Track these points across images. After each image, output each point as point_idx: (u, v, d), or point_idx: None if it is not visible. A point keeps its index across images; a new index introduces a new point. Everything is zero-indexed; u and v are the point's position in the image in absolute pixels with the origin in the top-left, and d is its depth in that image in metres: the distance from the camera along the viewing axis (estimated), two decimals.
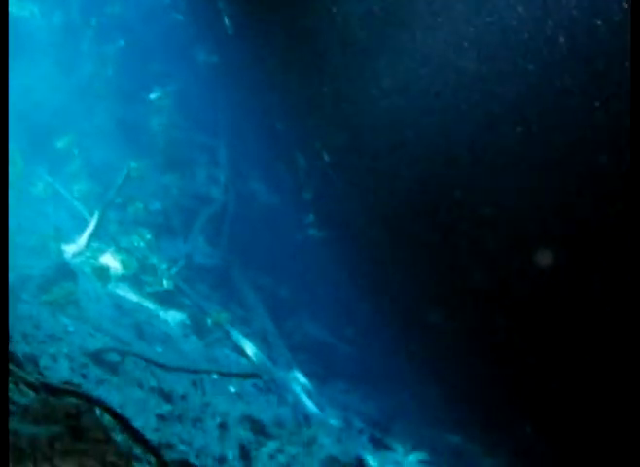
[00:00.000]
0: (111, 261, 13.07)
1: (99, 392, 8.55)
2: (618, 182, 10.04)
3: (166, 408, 9.37)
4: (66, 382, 7.08)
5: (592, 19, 9.43)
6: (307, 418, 11.88)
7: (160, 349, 11.65)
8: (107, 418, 6.30)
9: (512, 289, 12.19)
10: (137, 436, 6.34)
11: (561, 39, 9.81)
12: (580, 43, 9.74)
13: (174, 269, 13.97)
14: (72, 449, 3.57)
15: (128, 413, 8.53)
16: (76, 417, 3.83)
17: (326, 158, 14.32)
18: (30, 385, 5.38)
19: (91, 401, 6.43)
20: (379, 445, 13.70)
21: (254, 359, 13.20)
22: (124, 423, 6.34)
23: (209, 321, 13.28)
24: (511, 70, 10.49)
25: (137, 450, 6.33)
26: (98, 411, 6.38)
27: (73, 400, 6.04)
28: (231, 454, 9.28)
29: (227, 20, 15.47)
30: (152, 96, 15.74)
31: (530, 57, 10.20)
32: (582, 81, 9.92)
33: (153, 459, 6.26)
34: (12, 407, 3.88)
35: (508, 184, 11.24)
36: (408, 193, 12.86)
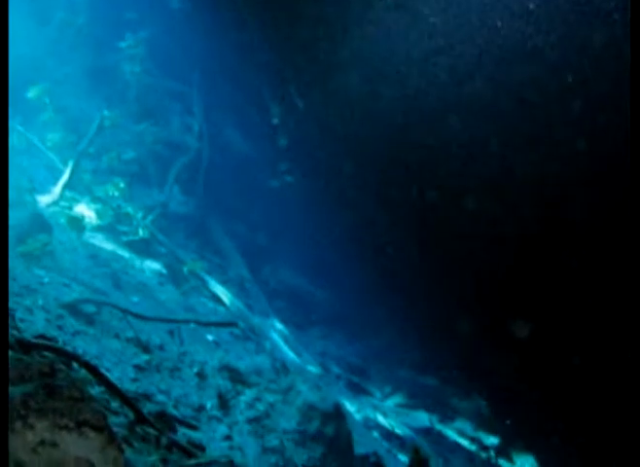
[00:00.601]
0: (86, 211, 13.01)
1: (76, 343, 8.54)
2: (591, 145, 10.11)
3: (144, 358, 9.38)
4: (41, 336, 7.09)
5: None
6: (285, 366, 11.94)
7: (136, 299, 11.65)
8: (83, 372, 6.31)
9: (487, 234, 12.25)
10: (114, 389, 6.36)
11: None
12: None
13: (149, 218, 13.92)
14: (46, 408, 3.57)
15: (106, 363, 8.55)
16: (50, 375, 3.83)
17: (300, 105, 14.25)
18: None
19: (68, 355, 6.44)
20: (357, 389, 13.82)
21: (231, 307, 13.22)
22: (101, 377, 6.35)
23: (185, 270, 13.27)
24: (479, 26, 10.46)
25: (114, 404, 6.35)
26: (75, 364, 6.40)
27: (48, 355, 6.06)
28: (210, 403, 9.32)
29: None
30: (124, 44, 15.52)
31: (502, 15, 10.18)
32: (555, 43, 9.92)
33: (130, 412, 6.29)
34: None
35: (480, 135, 11.28)
36: (383, 139, 12.85)
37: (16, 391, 3.55)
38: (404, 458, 12.10)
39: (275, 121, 15.27)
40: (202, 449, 7.27)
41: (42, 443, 3.47)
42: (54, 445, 3.49)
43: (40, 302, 9.07)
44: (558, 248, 11.22)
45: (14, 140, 13.26)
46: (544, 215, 11.27)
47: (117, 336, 9.59)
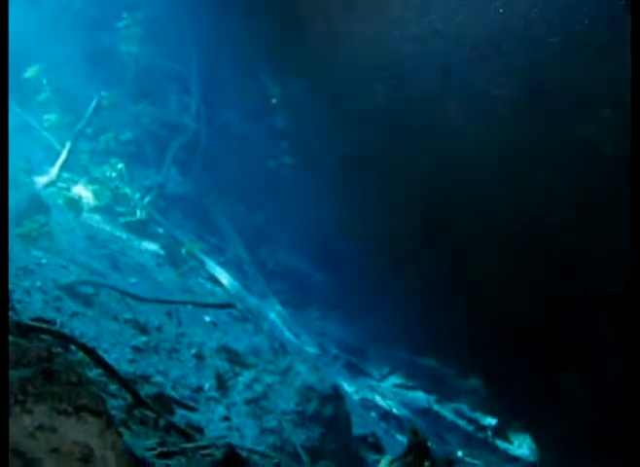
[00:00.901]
0: (83, 192, 12.97)
1: (74, 325, 8.54)
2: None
3: (142, 339, 9.37)
4: (38, 318, 7.08)
5: None
6: (283, 346, 11.94)
7: (134, 280, 11.62)
8: (81, 355, 6.31)
9: (481, 219, 12.29)
10: (111, 372, 6.35)
11: None
12: None
13: (147, 199, 13.88)
14: (44, 393, 3.57)
15: (104, 345, 8.55)
16: (48, 360, 3.81)
17: (298, 86, 14.23)
18: None
19: (65, 338, 6.43)
20: (355, 370, 13.84)
21: (229, 288, 13.20)
22: (98, 360, 6.35)
23: (183, 251, 13.22)
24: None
25: (112, 386, 6.35)
26: (73, 347, 6.39)
27: (46, 338, 6.04)
28: (208, 384, 9.33)
29: None
30: (120, 24, 15.42)
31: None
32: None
33: (128, 395, 6.28)
34: None
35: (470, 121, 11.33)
36: (379, 121, 12.87)
37: (14, 376, 3.55)
38: (401, 438, 12.11)
39: (273, 101, 15.24)
40: (200, 430, 7.28)
41: (40, 427, 3.46)
42: (53, 429, 3.49)
43: (38, 283, 9.06)
44: None
45: (11, 120, 13.18)
46: None
47: (115, 317, 9.58)
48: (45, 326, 6.42)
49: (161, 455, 5.05)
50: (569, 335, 12.47)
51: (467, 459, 12.93)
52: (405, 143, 12.86)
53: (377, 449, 11.22)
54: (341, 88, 13.30)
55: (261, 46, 14.91)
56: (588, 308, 12.16)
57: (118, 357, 8.49)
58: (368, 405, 12.86)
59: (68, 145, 13.13)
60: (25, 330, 5.78)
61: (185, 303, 11.36)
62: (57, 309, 8.71)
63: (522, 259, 12.61)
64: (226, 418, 8.90)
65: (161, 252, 13.20)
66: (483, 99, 11.72)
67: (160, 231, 13.70)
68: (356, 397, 12.79)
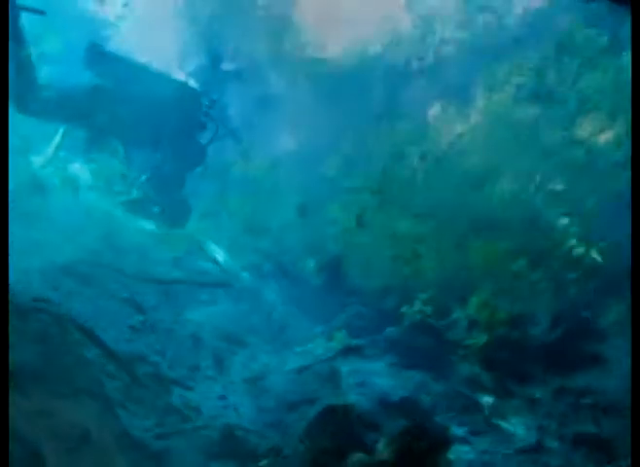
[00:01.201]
0: (80, 171, 12.94)
1: (71, 305, 8.53)
2: None
3: (139, 318, 9.39)
4: (36, 299, 7.09)
5: None
6: (280, 326, 11.97)
7: (131, 259, 11.63)
8: (79, 335, 6.32)
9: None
10: (109, 352, 6.37)
11: None
12: None
13: (144, 178, 13.85)
14: (43, 375, 3.58)
15: (101, 324, 8.56)
16: (46, 341, 3.83)
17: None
18: None
19: (63, 318, 6.45)
20: (350, 350, 13.84)
21: (225, 266, 13.21)
22: (96, 340, 6.37)
23: (180, 230, 13.22)
24: None
25: (110, 367, 6.36)
26: (70, 326, 6.41)
27: (44, 317, 6.05)
28: (205, 364, 9.35)
29: None
30: (118, 12, 15.36)
31: None
32: None
33: (126, 375, 6.31)
34: None
35: None
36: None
37: (12, 359, 3.55)
38: (399, 418, 12.16)
39: (272, 86, 15.22)
40: (198, 410, 7.30)
41: (38, 411, 3.48)
42: (51, 412, 3.51)
43: (35, 263, 9.07)
44: None
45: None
46: None
47: (112, 296, 9.60)
48: (42, 306, 6.43)
49: (159, 436, 5.08)
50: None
51: (464, 438, 12.96)
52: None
53: (375, 428, 11.24)
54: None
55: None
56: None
57: (115, 336, 8.50)
58: (365, 384, 12.88)
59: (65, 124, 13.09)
60: (23, 311, 5.80)
61: (182, 282, 11.38)
62: (55, 289, 8.73)
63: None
64: (222, 397, 8.92)
65: (158, 231, 13.18)
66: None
67: (157, 210, 13.66)
68: (353, 377, 12.81)
